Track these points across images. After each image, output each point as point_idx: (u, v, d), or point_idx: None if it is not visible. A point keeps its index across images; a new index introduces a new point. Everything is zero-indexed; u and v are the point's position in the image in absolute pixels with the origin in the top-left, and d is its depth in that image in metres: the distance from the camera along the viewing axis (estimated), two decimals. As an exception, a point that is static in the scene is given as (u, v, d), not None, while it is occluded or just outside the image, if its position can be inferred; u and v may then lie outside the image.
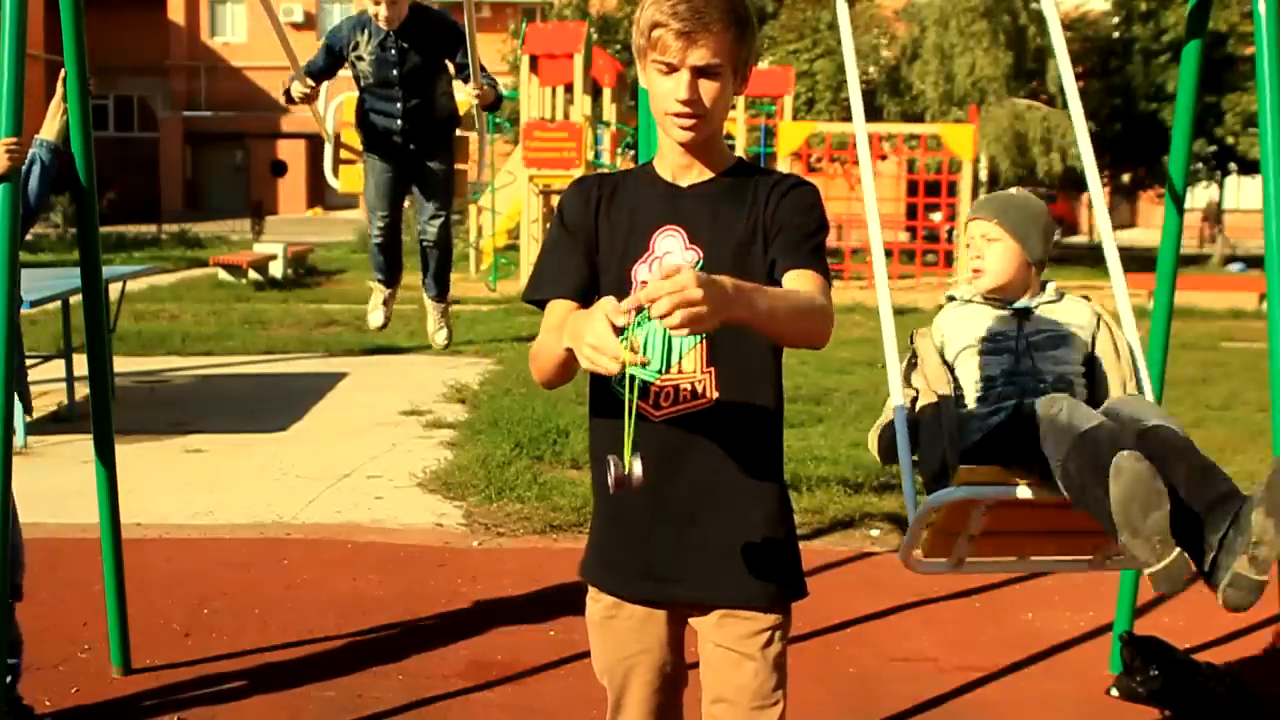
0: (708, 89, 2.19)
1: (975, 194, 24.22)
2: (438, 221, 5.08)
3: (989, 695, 4.20)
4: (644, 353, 2.23)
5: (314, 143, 41.18)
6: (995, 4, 24.40)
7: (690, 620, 2.41)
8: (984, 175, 25.40)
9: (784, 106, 22.28)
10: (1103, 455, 2.58)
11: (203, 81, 43.03)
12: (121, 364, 10.17)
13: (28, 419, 7.50)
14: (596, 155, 19.95)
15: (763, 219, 2.27)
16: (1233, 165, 27.93)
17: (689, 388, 2.27)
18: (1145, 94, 26.38)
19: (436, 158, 4.98)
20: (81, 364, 5.24)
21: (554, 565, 5.50)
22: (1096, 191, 3.48)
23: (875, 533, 6.10)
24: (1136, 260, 28.81)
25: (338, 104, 5.52)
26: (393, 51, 4.74)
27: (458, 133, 5.25)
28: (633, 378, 2.04)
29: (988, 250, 3.15)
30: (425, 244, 5.18)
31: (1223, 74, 24.39)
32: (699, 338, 2.24)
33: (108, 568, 4.20)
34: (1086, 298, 3.25)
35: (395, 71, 4.77)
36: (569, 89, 20.00)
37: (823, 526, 6.14)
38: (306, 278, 19.02)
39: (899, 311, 3.65)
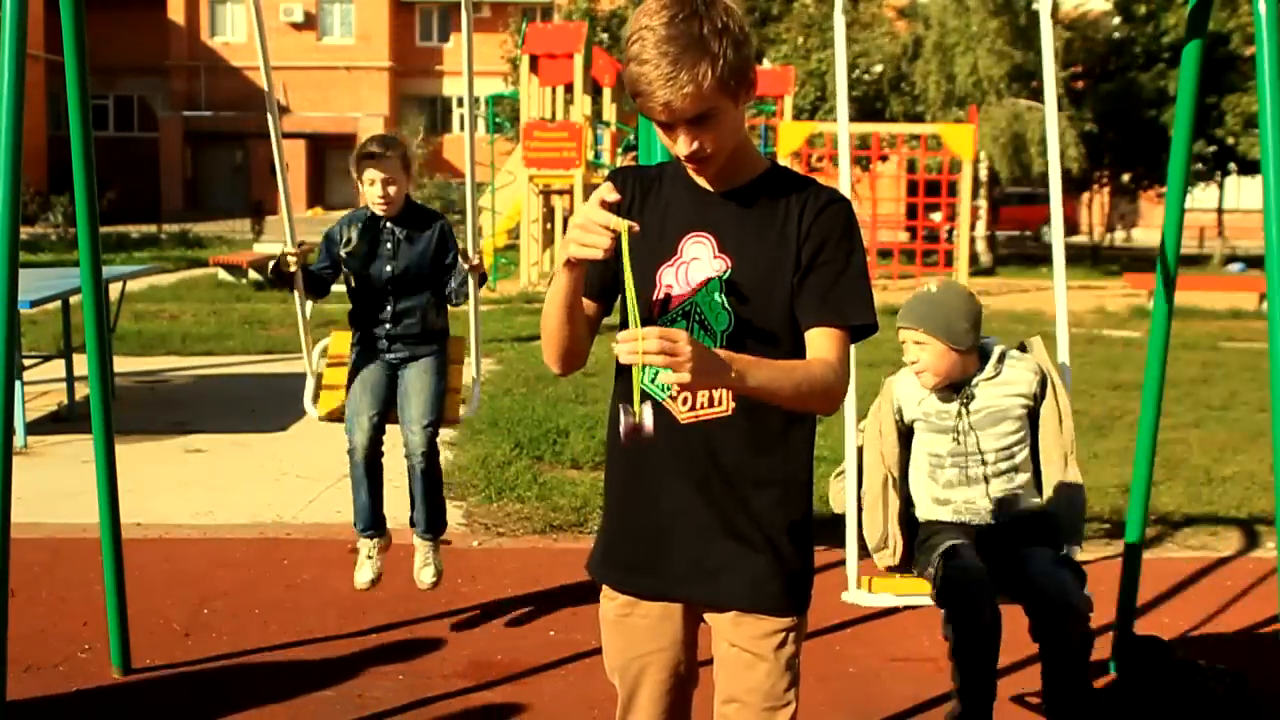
0: (707, 135, 2.17)
1: (975, 194, 24.29)
2: (425, 435, 4.45)
3: (989, 695, 4.19)
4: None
5: (314, 142, 41.27)
6: (996, 4, 24.39)
7: (706, 618, 2.41)
8: (984, 175, 25.43)
9: (784, 106, 22.27)
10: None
11: (203, 81, 43.05)
12: (121, 364, 10.18)
13: None
14: (596, 155, 19.95)
15: (795, 238, 2.24)
16: (1233, 165, 27.93)
17: (707, 395, 2.27)
18: (1146, 95, 26.37)
19: (425, 368, 4.55)
20: (81, 364, 5.25)
21: (554, 565, 5.50)
22: (1056, 191, 3.90)
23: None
24: (1137, 260, 28.73)
25: (324, 345, 4.87)
26: (387, 245, 4.51)
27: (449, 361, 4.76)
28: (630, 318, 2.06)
29: (921, 354, 3.44)
30: (412, 462, 4.50)
31: (1223, 74, 24.39)
32: (717, 345, 2.23)
33: (108, 568, 4.20)
34: (1023, 347, 3.62)
35: (388, 268, 4.49)
36: (569, 89, 20.02)
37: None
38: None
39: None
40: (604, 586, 2.45)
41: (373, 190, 4.46)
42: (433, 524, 4.68)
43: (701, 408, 2.27)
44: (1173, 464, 7.42)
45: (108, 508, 4.17)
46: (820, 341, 2.23)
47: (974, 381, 3.43)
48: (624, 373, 2.30)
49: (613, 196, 2.08)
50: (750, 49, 2.18)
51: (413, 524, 4.72)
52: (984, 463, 3.37)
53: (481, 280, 4.65)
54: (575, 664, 4.37)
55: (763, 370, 2.11)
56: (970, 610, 3.22)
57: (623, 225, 2.04)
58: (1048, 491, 3.42)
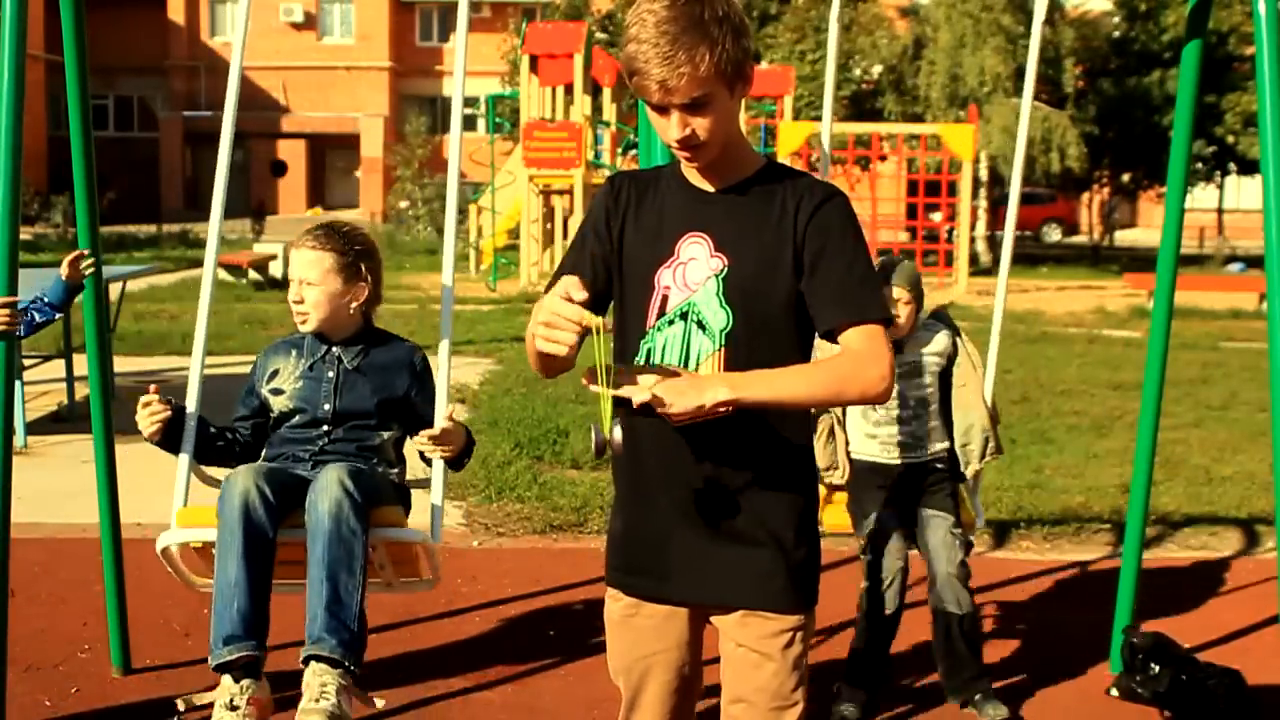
0: (700, 122, 2.17)
1: (975, 194, 24.28)
2: (340, 485, 3.02)
3: (989, 695, 4.19)
4: (661, 357, 2.24)
5: (314, 143, 41.26)
6: (997, 4, 24.39)
7: (712, 619, 2.40)
8: (984, 175, 25.43)
9: (784, 106, 22.27)
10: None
11: (203, 81, 43.04)
12: (121, 364, 10.15)
13: None
14: (596, 155, 19.96)
15: (794, 235, 2.23)
16: (1232, 165, 27.93)
17: None
18: (1146, 95, 26.37)
19: (354, 468, 3.11)
20: (81, 364, 5.24)
21: (554, 565, 5.50)
22: (1015, 188, 4.27)
23: (875, 533, 6.10)
24: (1137, 260, 28.71)
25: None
26: (329, 374, 3.29)
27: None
28: (597, 330, 2.06)
29: (903, 311, 3.98)
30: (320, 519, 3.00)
31: (1223, 74, 24.39)
32: (716, 344, 2.24)
33: (108, 568, 4.20)
34: (936, 315, 4.19)
35: (327, 405, 3.26)
36: (569, 89, 20.02)
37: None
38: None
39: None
40: (609, 587, 2.45)
41: (291, 293, 3.31)
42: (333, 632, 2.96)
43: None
44: (1173, 464, 7.42)
45: (108, 508, 4.18)
46: (856, 337, 2.21)
47: (907, 341, 4.04)
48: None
49: (580, 295, 2.04)
50: (749, 42, 2.18)
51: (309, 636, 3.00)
52: (905, 408, 4.03)
53: (458, 465, 3.29)
54: (575, 664, 4.37)
55: (772, 380, 2.11)
56: (880, 600, 3.92)
57: (594, 321, 2.04)
58: (961, 426, 4.08)
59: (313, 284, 3.29)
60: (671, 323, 2.27)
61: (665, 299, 2.27)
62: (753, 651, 2.33)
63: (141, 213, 33.00)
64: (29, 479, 6.43)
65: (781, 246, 2.24)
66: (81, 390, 8.50)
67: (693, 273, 2.26)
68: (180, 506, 3.38)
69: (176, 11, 43.28)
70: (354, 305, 3.32)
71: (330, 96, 42.58)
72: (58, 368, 8.92)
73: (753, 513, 2.29)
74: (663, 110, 2.17)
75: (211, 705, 2.96)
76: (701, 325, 2.25)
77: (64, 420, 8.42)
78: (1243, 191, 35.11)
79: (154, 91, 43.75)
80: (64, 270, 4.05)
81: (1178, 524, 6.28)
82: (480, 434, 7.93)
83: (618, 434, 2.10)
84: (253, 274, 17.67)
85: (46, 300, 3.99)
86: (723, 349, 2.24)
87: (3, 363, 3.20)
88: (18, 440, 7.24)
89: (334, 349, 3.34)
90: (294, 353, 3.38)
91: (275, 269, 17.86)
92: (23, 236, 3.46)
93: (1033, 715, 4.07)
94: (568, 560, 5.58)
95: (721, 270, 2.24)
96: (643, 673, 2.41)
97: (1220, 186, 30.27)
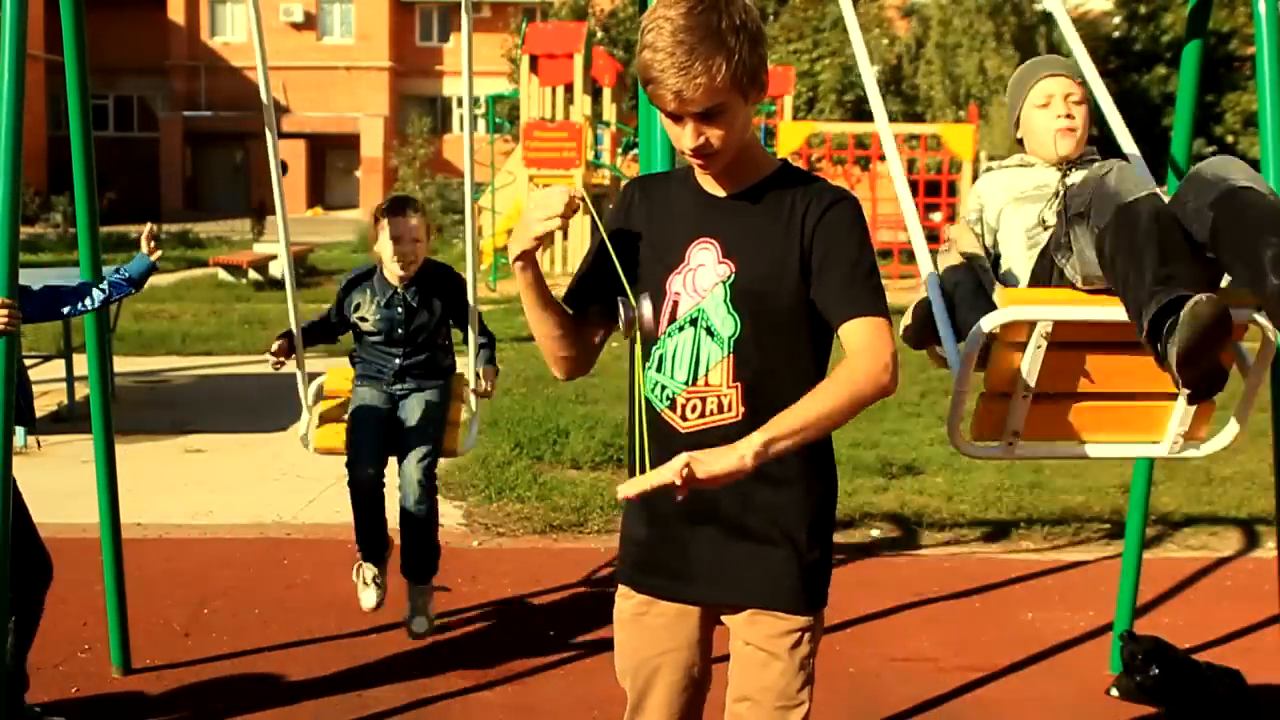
0: (714, 131, 2.16)
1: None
2: (422, 467, 4.37)
3: (989, 695, 4.19)
4: (671, 365, 2.24)
5: (314, 143, 41.26)
6: (998, 4, 24.41)
7: (723, 618, 2.39)
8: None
9: (784, 106, 22.27)
10: (1139, 236, 2.48)
11: (203, 81, 43.01)
12: (121, 364, 10.16)
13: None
14: (596, 155, 19.96)
15: (801, 237, 2.23)
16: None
17: (715, 401, 2.26)
18: (1145, 95, 26.39)
19: (428, 404, 4.48)
20: (81, 364, 5.23)
21: (554, 565, 5.50)
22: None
23: (875, 533, 6.10)
24: (1136, 260, 28.56)
25: (320, 382, 4.73)
26: (399, 310, 4.46)
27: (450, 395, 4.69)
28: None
29: (1078, 111, 3.01)
30: (406, 498, 4.39)
31: (1223, 74, 24.40)
32: (725, 350, 2.24)
33: (108, 568, 4.20)
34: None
35: (400, 330, 4.47)
36: (569, 89, 20.02)
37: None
38: (306, 278, 19.00)
39: (898, 311, 3.67)
40: (620, 585, 2.44)
41: (398, 249, 4.38)
42: (421, 568, 4.47)
43: (711, 414, 2.26)
44: (1173, 464, 7.42)
45: (108, 508, 4.18)
46: (855, 332, 2.20)
47: (1080, 157, 3.06)
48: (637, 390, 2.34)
49: (580, 191, 2.19)
50: (764, 50, 2.18)
51: (403, 568, 4.48)
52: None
53: (488, 395, 4.63)
54: (575, 664, 4.37)
55: (791, 419, 2.09)
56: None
57: (576, 188, 2.19)
58: None
59: (418, 240, 4.42)
60: (681, 329, 2.27)
61: (676, 305, 2.27)
62: (761, 650, 2.32)
63: (141, 213, 32.90)
64: (29, 479, 6.42)
65: (788, 250, 2.23)
66: (81, 390, 8.50)
67: (701, 279, 2.26)
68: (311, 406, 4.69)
69: (176, 11, 43.27)
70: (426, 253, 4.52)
71: (330, 96, 42.57)
72: (58, 368, 8.93)
73: (767, 512, 2.29)
74: (677, 119, 2.17)
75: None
76: (710, 332, 2.25)
77: (64, 420, 8.42)
78: (1243, 191, 35.12)
79: (154, 91, 43.73)
80: (146, 247, 4.11)
81: (1178, 524, 6.29)
82: (480, 434, 7.92)
83: (647, 309, 2.11)
84: (253, 274, 17.66)
85: (128, 274, 4.04)
86: (731, 355, 2.24)
87: (3, 363, 3.20)
88: (18, 440, 7.23)
89: (398, 291, 4.45)
90: (369, 291, 4.48)
91: (275, 269, 17.84)
92: (23, 236, 3.45)
93: (1033, 715, 4.08)
94: (568, 560, 5.58)
95: (728, 276, 2.24)
96: (651, 672, 2.41)
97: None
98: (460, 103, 42.88)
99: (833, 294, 2.22)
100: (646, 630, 2.40)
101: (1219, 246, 2.51)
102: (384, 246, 4.41)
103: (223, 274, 18.08)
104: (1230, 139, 25.64)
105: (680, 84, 2.09)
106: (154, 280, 18.40)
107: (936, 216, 21.68)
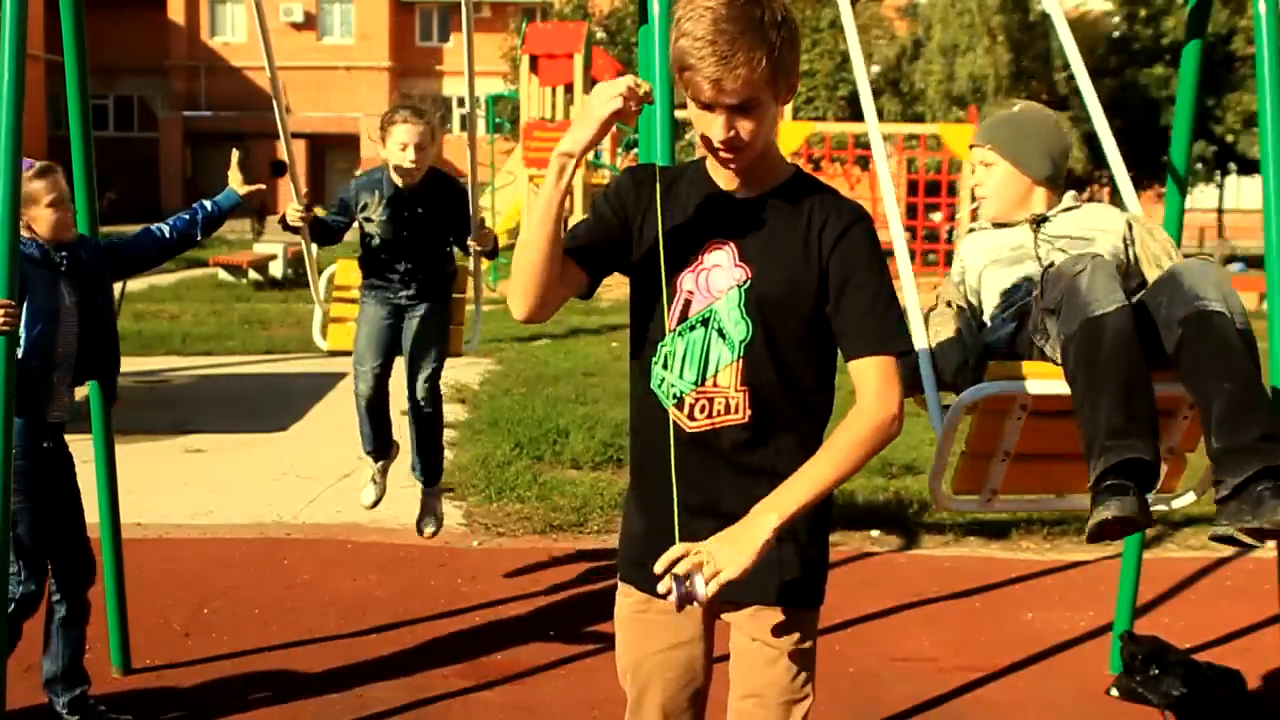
0: (745, 125, 2.15)
1: (974, 194, 24.24)
2: (429, 373, 4.74)
3: (989, 695, 4.20)
4: (680, 364, 2.24)
5: (314, 143, 41.24)
6: (998, 3, 24.40)
7: (724, 615, 2.39)
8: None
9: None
10: (1101, 360, 2.50)
11: (203, 81, 43.01)
12: (122, 364, 10.16)
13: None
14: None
15: (819, 257, 2.22)
16: (1232, 165, 27.92)
17: (724, 402, 2.25)
18: (1146, 94, 26.38)
19: (433, 311, 4.77)
20: (81, 364, 5.22)
21: (554, 565, 5.50)
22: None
23: (875, 533, 6.10)
24: (1136, 260, 28.30)
25: (330, 273, 5.10)
26: (404, 213, 4.64)
27: (454, 295, 5.02)
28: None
29: (986, 176, 3.05)
30: (415, 405, 4.80)
31: (1223, 74, 24.38)
32: (735, 355, 2.23)
33: (108, 568, 4.20)
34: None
35: (405, 233, 4.66)
36: (569, 89, 20.01)
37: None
38: (306, 278, 19.03)
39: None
40: (621, 584, 2.44)
41: (404, 155, 4.50)
42: (431, 470, 4.96)
43: (718, 415, 2.25)
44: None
45: (108, 508, 4.18)
46: (867, 371, 2.21)
47: (1051, 213, 3.02)
48: (640, 394, 2.33)
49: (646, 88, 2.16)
50: (799, 50, 2.18)
51: (413, 470, 5.01)
52: None
53: (492, 254, 4.83)
54: (575, 664, 4.37)
55: (800, 489, 2.15)
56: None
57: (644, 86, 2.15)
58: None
59: (422, 146, 4.49)
60: (693, 328, 2.26)
61: (688, 304, 2.26)
62: (766, 646, 2.33)
63: (141, 213, 32.90)
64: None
65: (806, 265, 2.23)
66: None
67: (716, 280, 2.25)
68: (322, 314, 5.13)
69: (176, 11, 43.26)
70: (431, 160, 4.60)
71: (330, 96, 42.56)
72: (58, 368, 8.91)
73: None
74: (709, 108, 2.16)
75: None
76: (722, 334, 2.24)
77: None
78: (1243, 191, 35.08)
79: (154, 91, 43.72)
80: (237, 178, 4.30)
81: (1178, 524, 6.28)
82: (480, 434, 7.94)
83: (699, 584, 2.10)
84: (253, 274, 17.66)
85: (219, 208, 4.15)
86: (741, 359, 2.23)
87: (3, 362, 3.20)
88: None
89: (408, 195, 4.57)
90: (376, 193, 4.61)
91: (275, 269, 17.84)
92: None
93: (1033, 715, 4.08)
94: (568, 560, 5.58)
95: (744, 281, 2.23)
96: (651, 670, 2.40)
97: (1220, 186, 30.25)
98: (461, 103, 42.89)
99: (850, 324, 2.22)
100: (648, 627, 2.39)
101: (1181, 366, 2.58)
102: (391, 151, 4.52)
103: (223, 274, 18.07)
104: (1230, 139, 25.62)
105: (720, 73, 2.08)
106: (154, 280, 18.34)
107: (936, 216, 21.68)
